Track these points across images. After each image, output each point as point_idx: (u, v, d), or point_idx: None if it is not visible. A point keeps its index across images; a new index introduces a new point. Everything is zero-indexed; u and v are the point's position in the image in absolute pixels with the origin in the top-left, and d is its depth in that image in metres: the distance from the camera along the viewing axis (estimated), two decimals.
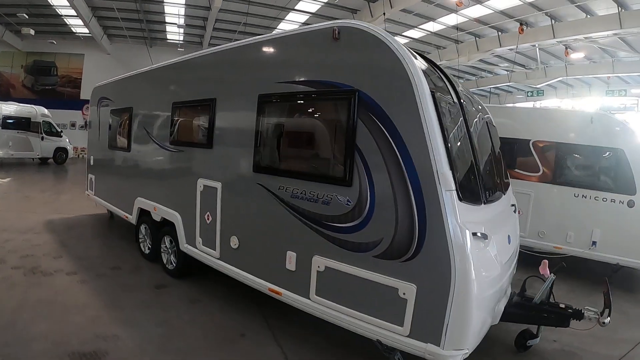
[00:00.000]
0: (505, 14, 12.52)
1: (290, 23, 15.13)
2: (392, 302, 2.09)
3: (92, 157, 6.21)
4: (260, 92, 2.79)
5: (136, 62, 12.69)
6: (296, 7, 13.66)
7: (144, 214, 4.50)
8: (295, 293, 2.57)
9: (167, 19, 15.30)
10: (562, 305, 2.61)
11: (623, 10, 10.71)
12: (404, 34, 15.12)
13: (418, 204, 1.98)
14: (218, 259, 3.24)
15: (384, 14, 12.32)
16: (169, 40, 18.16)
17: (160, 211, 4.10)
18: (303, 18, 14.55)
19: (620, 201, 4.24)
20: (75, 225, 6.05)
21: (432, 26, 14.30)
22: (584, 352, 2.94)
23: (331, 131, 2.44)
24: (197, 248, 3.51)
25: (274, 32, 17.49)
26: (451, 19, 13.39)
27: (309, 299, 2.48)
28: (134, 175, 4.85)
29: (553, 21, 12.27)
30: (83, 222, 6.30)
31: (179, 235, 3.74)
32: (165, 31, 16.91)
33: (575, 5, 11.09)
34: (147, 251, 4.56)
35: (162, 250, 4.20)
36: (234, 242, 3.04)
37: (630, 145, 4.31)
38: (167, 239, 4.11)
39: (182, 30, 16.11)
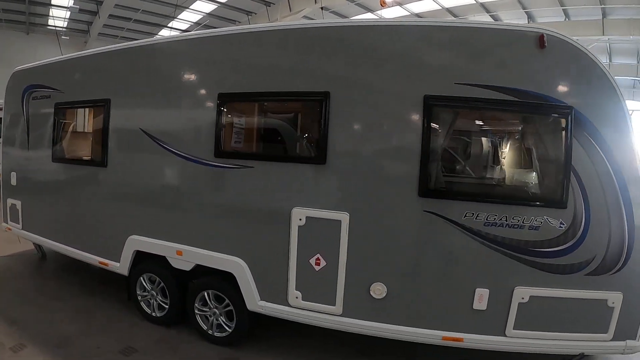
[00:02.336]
0: None
1: (184, 22, 14.62)
2: (598, 313, 2.21)
3: (14, 174, 4.22)
4: (426, 92, 2.20)
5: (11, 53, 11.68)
6: (191, 7, 13.27)
7: (145, 260, 3.14)
8: (484, 334, 2.28)
9: (53, 1, 13.02)
10: None
11: (530, 22, 12.86)
12: None
13: (628, 217, 2.13)
14: (340, 315, 2.44)
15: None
16: (49, 27, 15.18)
17: (191, 256, 2.83)
18: (196, 17, 14.03)
19: None
20: None
21: None
22: None
23: (540, 148, 2.24)
24: (289, 305, 2.55)
25: (162, 31, 16.16)
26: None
27: (505, 335, 2.26)
28: (122, 203, 3.23)
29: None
30: (4, 270, 4.37)
31: (245, 291, 2.65)
32: (47, 15, 14.20)
33: (489, 14, 13.43)
34: (158, 313, 3.15)
35: (197, 311, 2.92)
36: (378, 290, 2.36)
37: None
38: (209, 296, 2.86)
39: (68, 15, 14.14)
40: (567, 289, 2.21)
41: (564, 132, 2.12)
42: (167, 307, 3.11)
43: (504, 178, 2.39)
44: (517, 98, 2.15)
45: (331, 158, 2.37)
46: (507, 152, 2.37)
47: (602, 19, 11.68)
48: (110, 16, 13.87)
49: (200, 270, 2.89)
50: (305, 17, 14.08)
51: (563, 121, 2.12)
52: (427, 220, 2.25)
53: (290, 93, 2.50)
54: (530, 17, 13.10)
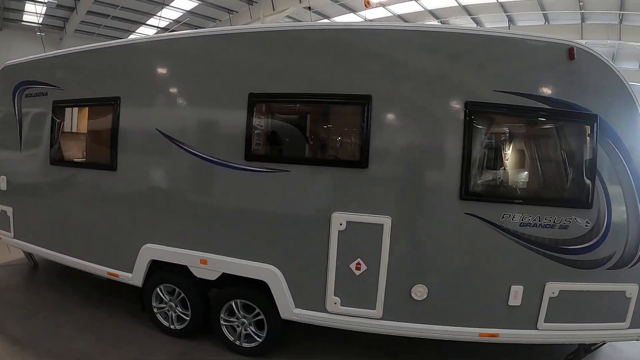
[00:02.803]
0: None
1: (163, 20, 14.19)
2: (617, 304, 2.42)
3: (4, 178, 3.87)
4: (469, 99, 2.28)
5: None
6: (172, 4, 12.91)
7: (162, 270, 2.98)
8: (519, 328, 2.41)
9: None
10: None
11: (512, 25, 13.21)
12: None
13: None
14: (379, 319, 2.46)
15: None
16: (23, 23, 14.20)
17: (217, 265, 2.71)
18: (176, 14, 13.74)
19: None
20: None
21: None
22: None
23: (569, 153, 2.39)
24: (327, 312, 2.51)
25: (140, 28, 15.58)
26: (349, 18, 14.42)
27: (537, 329, 2.41)
28: (134, 209, 3.05)
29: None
30: None
31: (279, 299, 2.58)
32: (22, 11, 13.42)
33: (471, 17, 13.51)
34: (176, 325, 2.98)
35: (222, 322, 2.80)
36: (420, 292, 2.40)
37: None
38: (237, 306, 2.75)
39: (44, 10, 13.20)
40: (592, 282, 2.39)
41: (589, 138, 2.31)
42: (188, 319, 2.95)
43: (537, 181, 2.54)
44: (548, 105, 2.31)
45: (373, 162, 2.38)
46: (539, 156, 2.51)
47: (581, 23, 12.24)
48: (89, 12, 13.09)
49: (226, 280, 2.76)
50: (288, 16, 14.04)
51: (589, 128, 2.30)
52: (468, 222, 2.34)
53: (331, 95, 2.48)
54: (511, 20, 13.36)
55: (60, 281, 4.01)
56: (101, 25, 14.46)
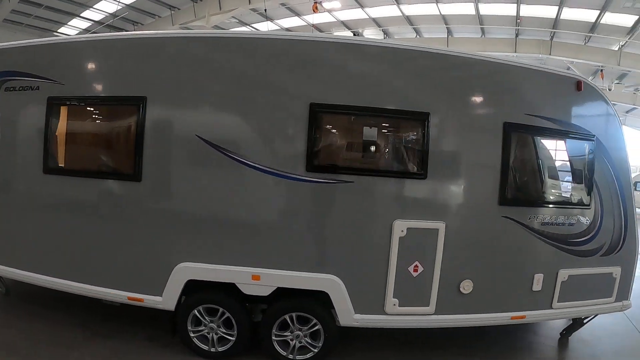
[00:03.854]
0: None
1: (98, 12, 13.22)
2: (607, 283, 3.10)
3: None
4: (506, 120, 2.71)
5: None
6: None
7: (198, 290, 2.83)
8: (539, 309, 2.94)
9: None
10: None
11: (450, 36, 14.40)
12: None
13: (624, 213, 3.07)
14: (432, 315, 2.75)
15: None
16: None
17: (272, 280, 2.71)
18: (114, 7, 12.67)
19: None
20: None
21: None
22: None
23: (576, 165, 2.99)
24: (386, 314, 2.72)
25: (73, 20, 14.17)
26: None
27: (552, 308, 2.96)
28: (165, 225, 2.82)
29: (385, 36, 15.33)
30: None
31: (340, 307, 2.70)
32: None
33: (412, 28, 14.44)
34: (218, 347, 2.87)
35: (274, 337, 2.79)
36: (467, 287, 2.76)
37: None
38: (291, 319, 2.77)
39: None
40: (590, 267, 3.03)
41: (590, 154, 2.94)
42: (232, 339, 2.83)
43: (555, 188, 3.11)
44: (562, 127, 2.89)
45: (431, 173, 2.66)
46: (555, 168, 3.09)
47: (515, 38, 13.49)
48: (21, 1, 11.35)
49: (277, 294, 2.73)
50: (233, 17, 13.68)
51: (589, 145, 2.93)
52: (504, 223, 2.78)
53: (393, 111, 2.72)
54: (449, 32, 14.43)
55: (46, 309, 3.47)
56: (32, 15, 12.62)
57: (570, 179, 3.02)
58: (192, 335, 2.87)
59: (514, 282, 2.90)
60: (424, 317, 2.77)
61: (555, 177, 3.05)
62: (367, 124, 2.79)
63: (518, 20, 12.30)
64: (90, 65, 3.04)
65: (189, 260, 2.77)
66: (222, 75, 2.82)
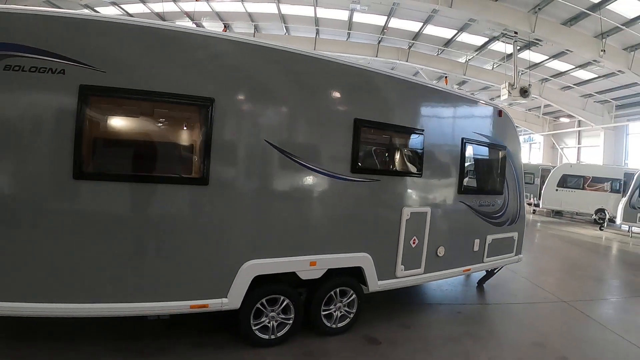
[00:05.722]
0: None
1: None
2: (510, 243, 4.93)
3: None
4: (462, 136, 4.14)
5: None
6: None
7: (262, 284, 3.11)
8: (476, 264, 4.52)
9: None
10: None
11: (319, 37, 14.53)
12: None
13: (519, 199, 4.94)
14: (422, 274, 3.91)
15: None
16: None
17: (324, 263, 3.38)
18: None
19: None
20: None
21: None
22: None
23: (496, 166, 4.65)
24: (397, 277, 3.78)
25: None
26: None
27: (483, 262, 4.57)
28: (232, 226, 3.00)
29: (255, 32, 15.10)
30: None
31: (370, 278, 3.62)
32: None
33: (284, 25, 14.05)
34: (277, 333, 3.24)
35: (322, 312, 3.45)
36: (441, 251, 4.05)
37: None
38: (336, 294, 3.51)
39: None
40: (502, 233, 4.78)
41: (503, 159, 4.67)
42: (290, 322, 3.23)
43: (490, 182, 4.71)
44: (491, 142, 4.53)
45: (424, 172, 3.88)
46: (487, 170, 4.71)
47: (378, 44, 15.10)
48: None
49: (326, 276, 3.29)
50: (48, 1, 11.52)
51: (503, 153, 4.67)
52: (460, 206, 4.24)
53: (401, 128, 3.77)
54: (318, 33, 14.95)
55: (43, 348, 2.87)
56: None
57: (496, 176, 4.75)
58: (254, 328, 3.12)
59: (464, 247, 4.38)
60: (418, 276, 3.95)
61: (490, 175, 4.72)
62: (388, 136, 3.82)
63: (385, 30, 13.82)
64: (151, 57, 2.70)
65: (254, 258, 2.99)
66: (295, 87, 3.18)
